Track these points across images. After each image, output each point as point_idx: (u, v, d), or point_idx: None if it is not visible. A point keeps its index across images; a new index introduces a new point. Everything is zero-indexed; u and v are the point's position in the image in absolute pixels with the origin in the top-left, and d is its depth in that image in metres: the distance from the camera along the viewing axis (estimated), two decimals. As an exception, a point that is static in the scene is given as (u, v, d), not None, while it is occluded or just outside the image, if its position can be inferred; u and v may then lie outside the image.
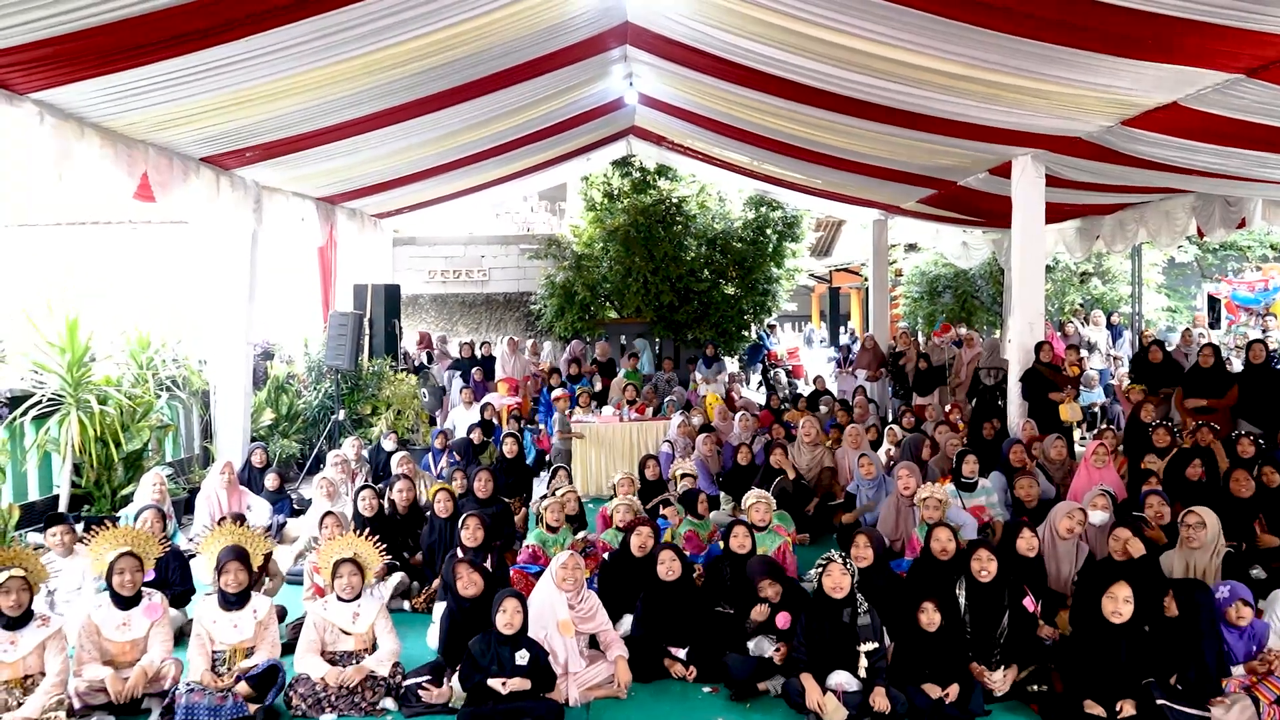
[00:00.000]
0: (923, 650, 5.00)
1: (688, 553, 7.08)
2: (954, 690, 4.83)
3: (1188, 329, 12.42)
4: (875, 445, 9.88)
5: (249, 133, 8.03)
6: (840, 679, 4.89)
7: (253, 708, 4.77)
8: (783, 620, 5.36)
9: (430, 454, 9.84)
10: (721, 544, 6.27)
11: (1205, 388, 9.13)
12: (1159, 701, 4.58)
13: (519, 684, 4.81)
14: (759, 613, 5.48)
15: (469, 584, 5.34)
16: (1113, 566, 5.57)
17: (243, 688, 4.83)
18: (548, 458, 11.14)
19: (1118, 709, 4.62)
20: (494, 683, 4.80)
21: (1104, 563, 5.78)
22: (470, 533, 6.20)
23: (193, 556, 6.80)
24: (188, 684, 4.80)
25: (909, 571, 6.10)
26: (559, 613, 5.30)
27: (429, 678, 5.14)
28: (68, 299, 8.88)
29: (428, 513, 7.40)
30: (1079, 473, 7.71)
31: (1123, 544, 5.65)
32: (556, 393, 11.31)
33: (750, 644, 5.45)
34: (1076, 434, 9.65)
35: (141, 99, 6.52)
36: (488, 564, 6.06)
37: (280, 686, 4.96)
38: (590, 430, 10.71)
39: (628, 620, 5.78)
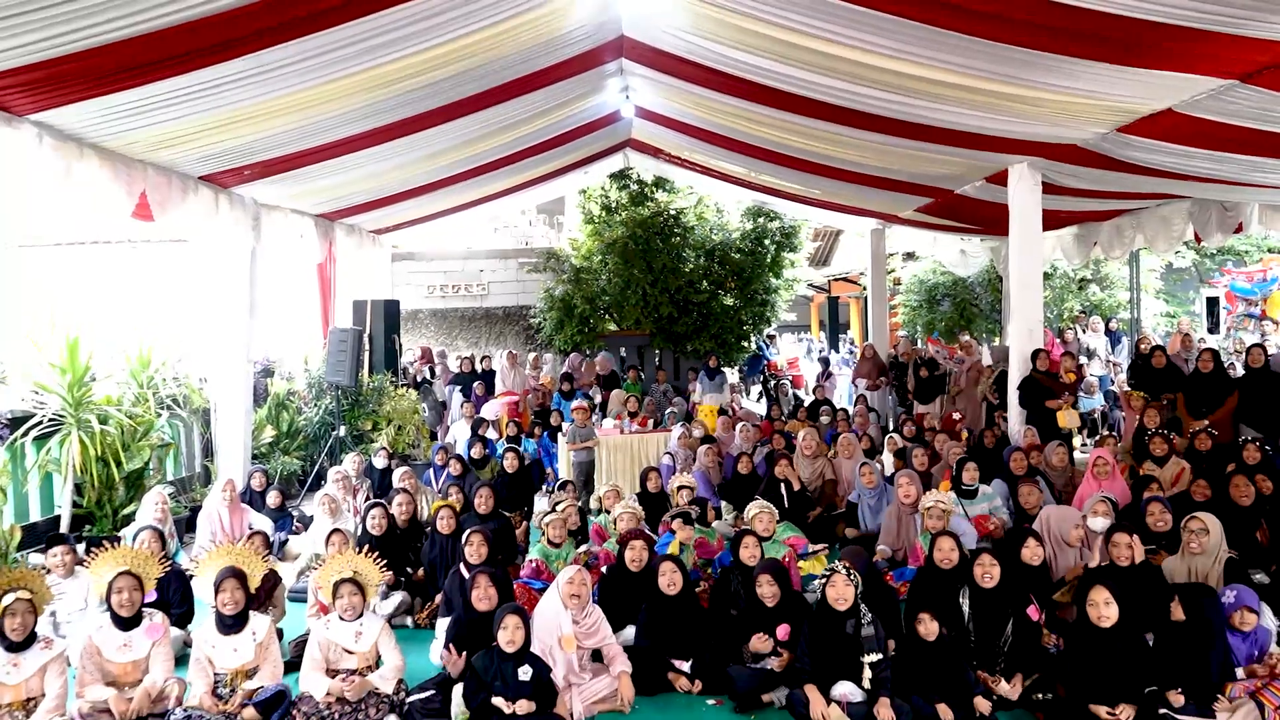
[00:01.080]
0: (922, 660, 5.01)
1: (699, 558, 7.10)
2: (982, 704, 4.85)
3: (1187, 334, 12.40)
4: (871, 454, 9.88)
5: (247, 151, 8.06)
6: (844, 690, 4.88)
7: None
8: (782, 632, 5.35)
9: (431, 469, 9.84)
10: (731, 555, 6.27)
11: (1205, 393, 9.13)
12: (1161, 711, 4.56)
13: (525, 707, 4.80)
14: (760, 643, 5.43)
15: (484, 598, 5.34)
16: (1113, 572, 5.56)
17: (250, 714, 4.82)
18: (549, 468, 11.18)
19: (1117, 712, 4.62)
20: (499, 701, 4.79)
21: (1106, 569, 5.77)
22: (474, 549, 6.18)
23: (192, 577, 6.79)
24: (185, 710, 4.78)
25: (912, 581, 6.09)
26: (563, 627, 5.30)
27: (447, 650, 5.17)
28: (68, 319, 8.89)
29: (429, 528, 7.39)
30: (1085, 481, 7.71)
31: (1123, 548, 5.64)
32: (575, 403, 11.30)
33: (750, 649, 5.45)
34: (1077, 441, 9.64)
35: (140, 119, 6.55)
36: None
37: (286, 708, 4.94)
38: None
39: (628, 631, 5.77)
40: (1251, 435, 8.30)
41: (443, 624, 6.00)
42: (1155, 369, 9.80)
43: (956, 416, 10.93)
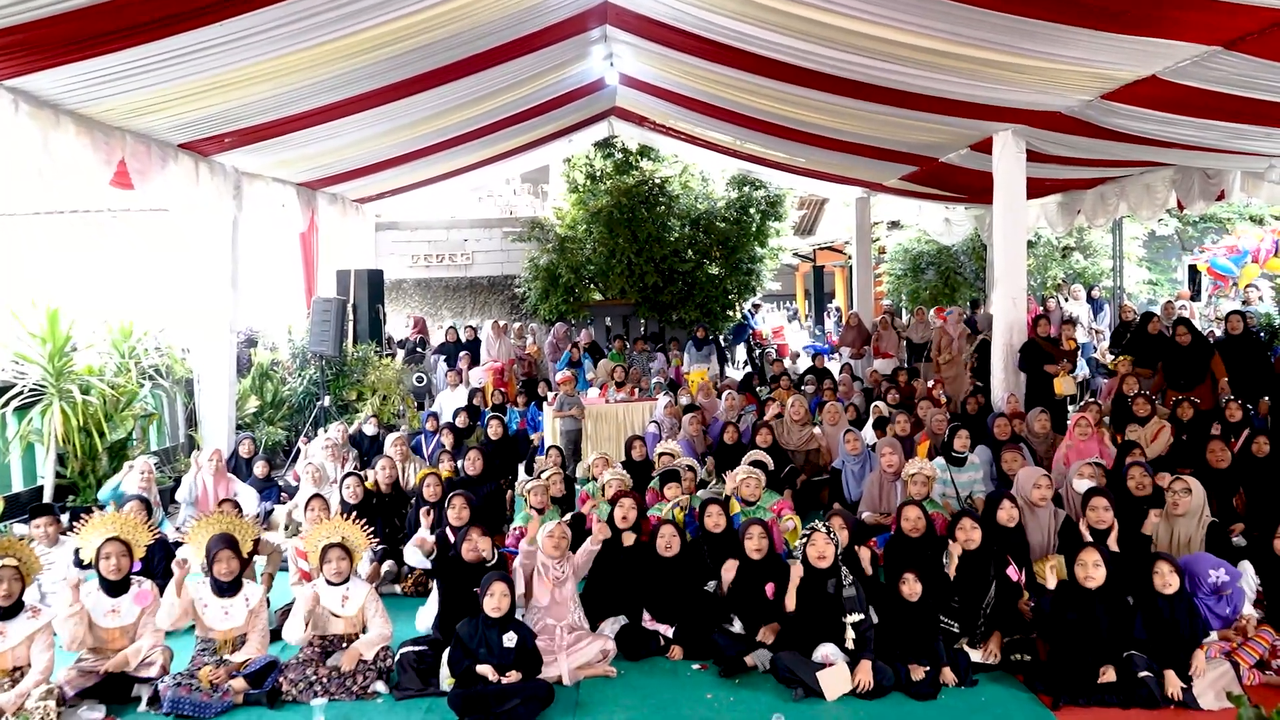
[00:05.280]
0: (903, 620, 5.08)
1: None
2: (949, 675, 4.92)
3: (1169, 301, 12.46)
4: (858, 423, 9.92)
5: (227, 118, 7.96)
6: (826, 652, 4.95)
7: (240, 698, 4.82)
8: (769, 590, 5.39)
9: (422, 435, 9.85)
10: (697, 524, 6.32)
11: (1184, 364, 9.19)
12: (1141, 674, 4.64)
13: (513, 677, 4.82)
14: (728, 569, 5.47)
15: (474, 549, 5.46)
16: (1092, 533, 5.63)
17: (239, 684, 4.85)
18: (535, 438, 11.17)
19: (1100, 674, 4.69)
20: (484, 669, 4.81)
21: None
22: (456, 512, 6.23)
23: (179, 545, 6.79)
24: (174, 677, 4.81)
25: (885, 548, 6.14)
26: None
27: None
28: (48, 288, 8.81)
29: (413, 497, 7.41)
30: (1064, 444, 7.77)
31: (1100, 510, 5.70)
32: (562, 374, 11.29)
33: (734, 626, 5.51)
34: (1073, 409, 9.70)
35: (117, 84, 6.45)
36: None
37: (275, 676, 4.98)
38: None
39: (612, 623, 5.79)
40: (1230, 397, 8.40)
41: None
42: (1150, 335, 9.87)
43: (930, 384, 10.98)
